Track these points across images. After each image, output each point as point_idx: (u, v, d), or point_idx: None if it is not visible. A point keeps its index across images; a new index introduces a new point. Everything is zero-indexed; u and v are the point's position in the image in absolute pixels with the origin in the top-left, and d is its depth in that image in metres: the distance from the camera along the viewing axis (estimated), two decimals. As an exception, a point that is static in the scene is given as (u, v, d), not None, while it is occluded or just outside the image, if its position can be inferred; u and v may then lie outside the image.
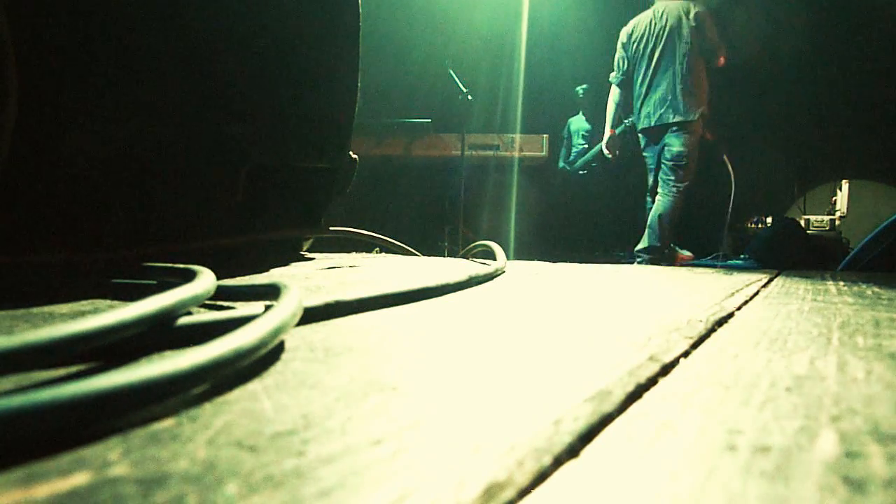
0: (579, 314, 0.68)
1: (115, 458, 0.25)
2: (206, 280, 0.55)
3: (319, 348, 0.46)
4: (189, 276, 0.60)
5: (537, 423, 0.29)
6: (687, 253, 3.62)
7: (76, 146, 0.96)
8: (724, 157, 3.49)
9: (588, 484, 0.24)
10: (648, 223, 3.46)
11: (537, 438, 0.27)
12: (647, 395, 0.35)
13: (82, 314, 0.59)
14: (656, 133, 3.44)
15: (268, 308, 0.46)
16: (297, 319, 0.47)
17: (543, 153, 4.61)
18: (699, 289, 0.98)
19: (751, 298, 0.84)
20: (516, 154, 4.57)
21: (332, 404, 0.32)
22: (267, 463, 0.24)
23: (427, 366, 0.42)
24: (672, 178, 3.36)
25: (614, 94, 3.74)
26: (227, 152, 1.17)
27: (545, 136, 4.63)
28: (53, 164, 0.94)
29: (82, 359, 0.40)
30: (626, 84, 3.62)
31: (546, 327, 0.59)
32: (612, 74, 3.69)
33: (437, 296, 0.81)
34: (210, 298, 0.56)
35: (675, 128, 3.35)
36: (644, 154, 3.59)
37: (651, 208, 3.50)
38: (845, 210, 5.21)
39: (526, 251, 4.13)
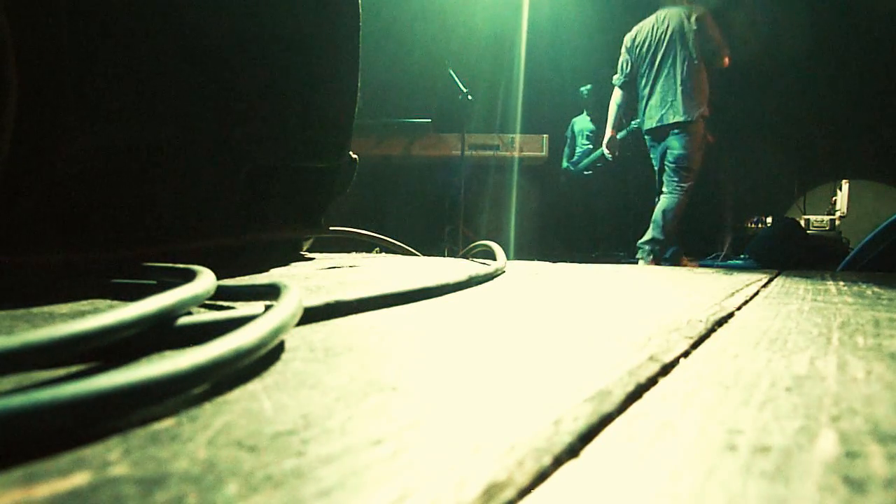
0: (579, 314, 0.68)
1: (115, 458, 0.25)
2: (206, 280, 0.55)
3: (319, 348, 0.46)
4: (189, 276, 0.60)
5: (537, 423, 0.29)
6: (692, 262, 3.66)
7: (76, 146, 0.95)
8: (708, 136, 3.52)
9: (588, 484, 0.24)
10: (653, 217, 3.53)
11: (537, 438, 0.27)
12: (647, 395, 0.35)
13: (82, 314, 0.59)
14: (659, 134, 3.52)
15: (268, 308, 0.46)
16: (297, 319, 0.47)
17: (543, 153, 4.61)
18: (699, 289, 0.98)
19: (751, 298, 0.84)
20: (516, 154, 4.57)
21: (332, 404, 0.32)
22: (267, 463, 0.24)
23: (427, 366, 0.42)
24: (675, 179, 3.44)
25: (617, 95, 3.82)
26: (227, 152, 1.17)
27: (545, 136, 4.63)
28: (53, 164, 0.94)
29: (82, 359, 0.40)
30: (629, 86, 3.71)
31: (546, 327, 0.59)
32: (616, 76, 3.77)
33: (436, 296, 0.81)
34: (210, 298, 0.56)
35: (676, 129, 3.42)
36: (651, 155, 3.67)
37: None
38: (845, 210, 5.22)
39: (526, 251, 4.13)
